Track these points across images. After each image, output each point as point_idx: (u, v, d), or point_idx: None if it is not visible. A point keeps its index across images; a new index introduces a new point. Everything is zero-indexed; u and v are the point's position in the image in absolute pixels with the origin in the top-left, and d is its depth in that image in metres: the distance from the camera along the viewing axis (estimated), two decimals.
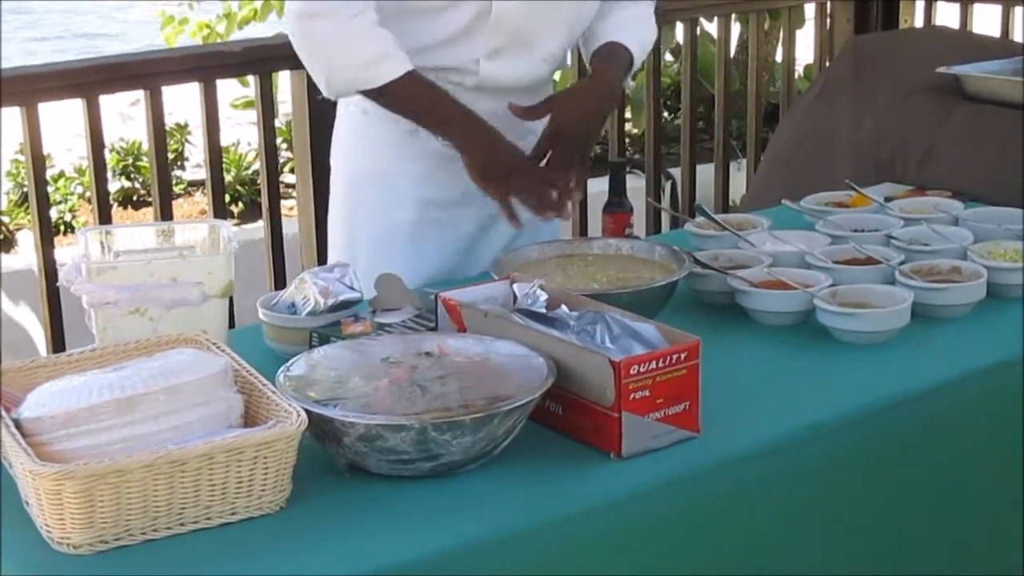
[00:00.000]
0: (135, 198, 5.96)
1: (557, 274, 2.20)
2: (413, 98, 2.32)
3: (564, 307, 1.89)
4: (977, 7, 4.31)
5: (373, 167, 2.47)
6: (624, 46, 2.44)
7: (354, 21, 2.26)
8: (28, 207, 4.59)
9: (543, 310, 1.90)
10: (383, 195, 2.46)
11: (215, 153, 3.33)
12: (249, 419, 1.69)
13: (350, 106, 2.48)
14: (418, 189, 2.44)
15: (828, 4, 4.44)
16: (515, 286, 1.98)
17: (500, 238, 2.50)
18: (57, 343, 3.16)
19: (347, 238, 2.53)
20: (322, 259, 3.19)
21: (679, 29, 5.33)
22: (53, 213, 5.21)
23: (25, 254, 5.14)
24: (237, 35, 6.00)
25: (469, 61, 2.36)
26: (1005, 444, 2.07)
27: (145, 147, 5.58)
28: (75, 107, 3.18)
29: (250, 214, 5.67)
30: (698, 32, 4.39)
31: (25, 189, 5.44)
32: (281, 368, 1.76)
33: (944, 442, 2.00)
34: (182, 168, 6.17)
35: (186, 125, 6.14)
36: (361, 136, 2.48)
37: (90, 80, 3.12)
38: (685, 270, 2.17)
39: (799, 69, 5.40)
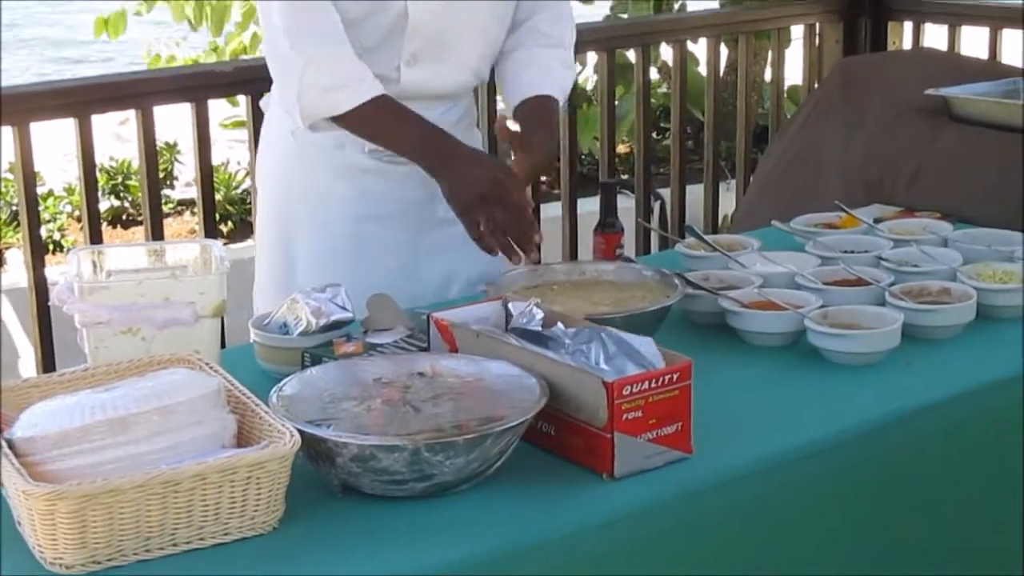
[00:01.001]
0: (124, 217, 5.95)
1: (553, 298, 2.20)
2: (384, 123, 2.35)
3: (560, 325, 1.89)
4: (965, 29, 4.32)
5: (305, 184, 2.49)
6: (552, 98, 2.48)
7: (325, 48, 2.30)
8: (17, 226, 4.60)
9: (539, 328, 1.90)
10: (317, 212, 2.49)
11: (206, 173, 3.34)
12: (242, 439, 1.69)
13: (280, 126, 2.50)
14: (353, 205, 2.47)
15: (817, 25, 4.46)
16: (510, 304, 1.99)
17: (445, 254, 2.51)
18: (47, 361, 3.15)
19: (282, 255, 2.53)
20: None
21: (664, 49, 5.38)
22: (42, 232, 5.20)
23: (13, 272, 5.13)
24: None
25: (391, 69, 2.39)
26: (996, 463, 2.07)
27: (135, 166, 5.59)
28: (64, 127, 3.18)
29: (240, 233, 5.67)
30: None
31: (14, 208, 5.43)
32: (274, 388, 1.76)
33: (935, 462, 2.01)
34: (171, 187, 6.16)
35: (175, 144, 6.14)
36: (291, 155, 2.50)
37: (82, 100, 3.12)
38: (679, 293, 2.17)
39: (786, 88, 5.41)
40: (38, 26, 16.86)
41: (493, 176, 2.29)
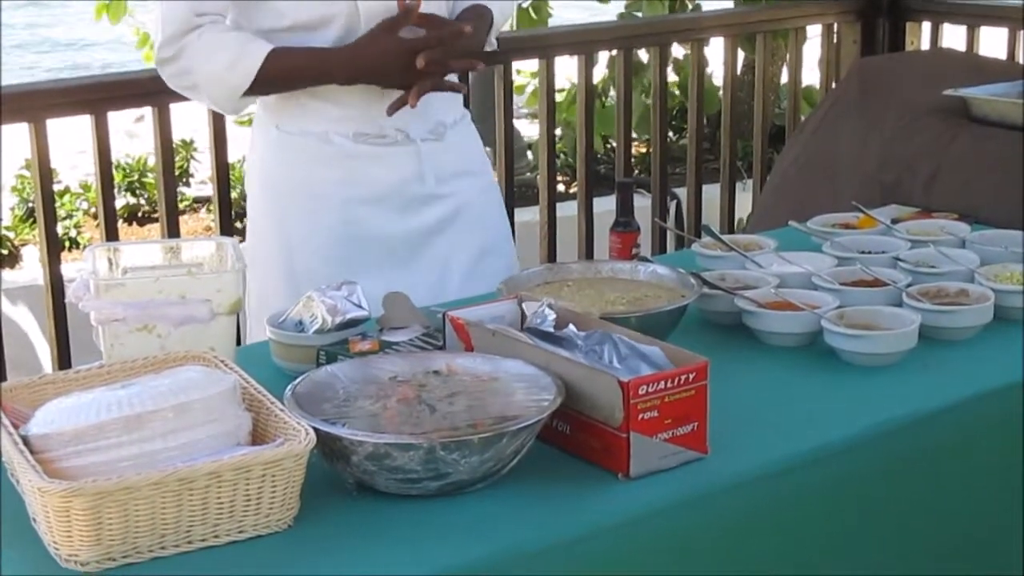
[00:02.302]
0: (140, 214, 5.96)
1: (568, 296, 2.20)
2: (293, 68, 2.42)
3: (572, 327, 1.89)
4: (984, 29, 4.31)
5: (294, 176, 2.53)
6: (488, 9, 2.53)
7: (200, 41, 2.37)
8: (34, 223, 4.61)
9: (551, 329, 1.90)
10: (308, 202, 2.52)
11: (222, 170, 3.34)
12: (257, 437, 1.69)
13: (264, 123, 2.55)
14: (339, 190, 2.50)
15: (835, 25, 4.45)
16: (523, 304, 1.99)
17: (442, 232, 2.56)
18: (63, 358, 3.16)
19: (281, 250, 2.55)
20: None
21: (676, 49, 5.37)
22: (58, 229, 5.21)
23: (30, 269, 5.15)
24: None
25: None
26: (1013, 466, 2.06)
27: (151, 163, 5.60)
28: (80, 124, 3.19)
29: None
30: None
31: (31, 204, 5.45)
32: (289, 386, 1.76)
33: (952, 464, 2.00)
34: (187, 185, 6.17)
35: (191, 142, 6.15)
36: (278, 149, 2.54)
37: (98, 97, 3.13)
38: (695, 293, 2.17)
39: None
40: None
41: (396, 40, 2.37)
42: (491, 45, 2.60)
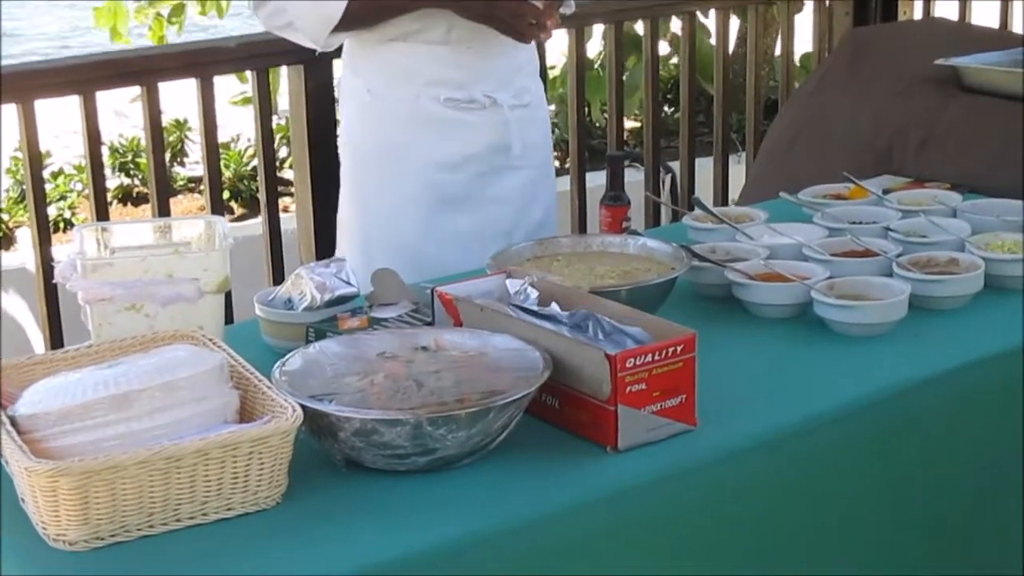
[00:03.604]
0: (134, 194, 5.95)
1: (558, 270, 2.20)
2: (376, 3, 2.47)
3: (555, 305, 1.88)
4: None
5: (380, 141, 2.59)
6: None
7: None
8: (26, 204, 4.59)
9: (534, 307, 1.89)
10: (391, 167, 2.57)
11: (212, 150, 3.33)
12: (245, 415, 1.68)
13: (354, 88, 2.60)
14: (424, 153, 2.55)
15: None
16: (507, 282, 1.98)
17: (511, 202, 2.62)
18: (55, 340, 3.15)
19: (360, 216, 2.63)
20: (324, 253, 3.19)
21: (675, 22, 5.34)
22: (52, 210, 5.20)
23: (24, 251, 5.14)
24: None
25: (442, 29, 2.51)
26: (1004, 434, 2.06)
27: (144, 144, 5.58)
28: (72, 104, 3.18)
29: (252, 210, 5.66)
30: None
31: (24, 187, 5.43)
32: (277, 363, 1.76)
33: (943, 432, 2.00)
34: (182, 164, 6.16)
35: (186, 121, 6.13)
36: (366, 114, 2.60)
37: (87, 77, 3.11)
38: (685, 266, 2.16)
39: (797, 59, 5.38)
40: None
41: None
42: (569, 7, 2.66)
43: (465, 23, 2.49)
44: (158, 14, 5.96)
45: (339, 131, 2.70)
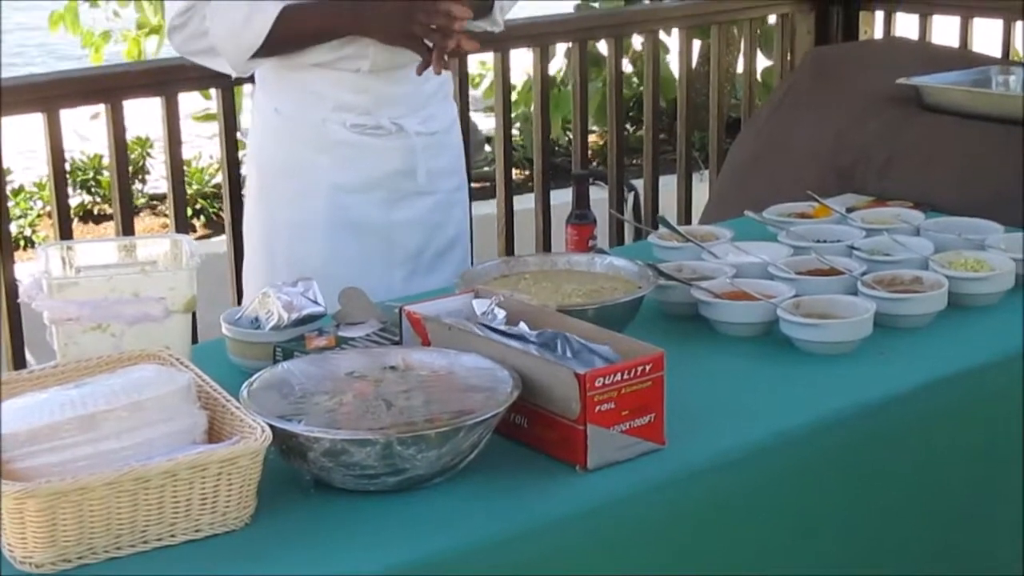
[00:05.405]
0: (96, 212, 5.92)
1: (525, 288, 2.20)
2: (306, 19, 2.45)
3: (523, 325, 1.88)
4: (936, 18, 4.33)
5: (286, 159, 2.58)
6: None
7: (212, 3, 2.43)
8: None
9: (502, 327, 1.89)
10: (296, 185, 2.57)
11: (177, 168, 3.32)
12: (213, 435, 1.68)
13: (263, 106, 2.61)
14: (329, 176, 2.54)
15: (790, 15, 4.46)
16: (474, 303, 1.98)
17: (419, 226, 2.61)
18: (18, 360, 3.13)
19: (264, 231, 2.62)
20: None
21: (636, 40, 5.37)
22: (13, 228, 5.17)
23: None
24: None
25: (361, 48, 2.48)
26: (968, 451, 2.08)
27: (106, 161, 5.55)
28: (33, 122, 3.16)
29: (215, 229, 5.65)
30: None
31: None
32: (245, 383, 1.75)
33: (908, 451, 2.01)
34: (143, 182, 6.14)
35: (147, 139, 6.11)
36: (274, 131, 2.59)
37: (51, 94, 3.10)
38: (652, 284, 2.17)
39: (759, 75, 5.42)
40: None
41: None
42: (497, 25, 2.63)
43: (384, 50, 2.46)
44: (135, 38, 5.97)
45: (248, 149, 2.69)
